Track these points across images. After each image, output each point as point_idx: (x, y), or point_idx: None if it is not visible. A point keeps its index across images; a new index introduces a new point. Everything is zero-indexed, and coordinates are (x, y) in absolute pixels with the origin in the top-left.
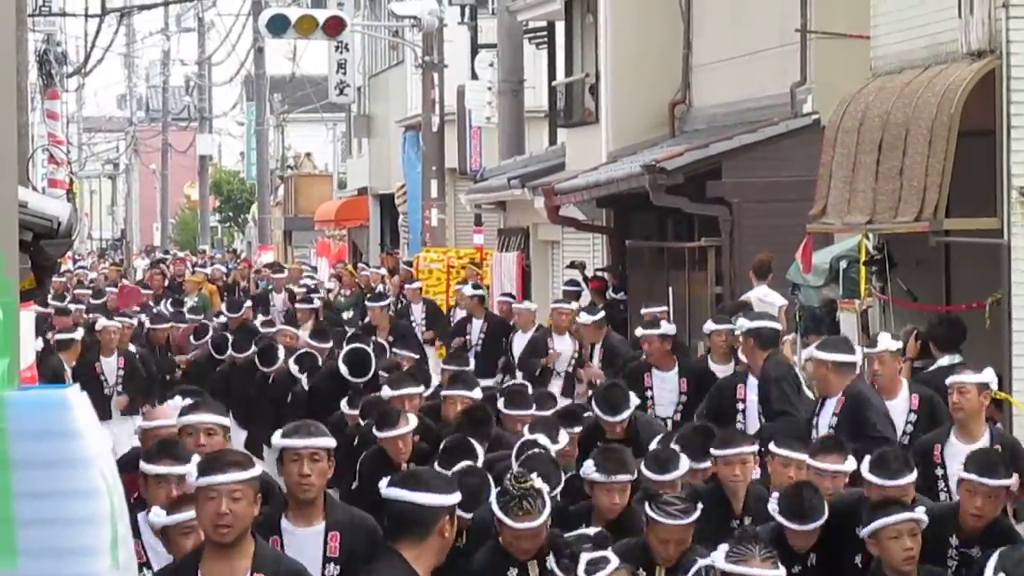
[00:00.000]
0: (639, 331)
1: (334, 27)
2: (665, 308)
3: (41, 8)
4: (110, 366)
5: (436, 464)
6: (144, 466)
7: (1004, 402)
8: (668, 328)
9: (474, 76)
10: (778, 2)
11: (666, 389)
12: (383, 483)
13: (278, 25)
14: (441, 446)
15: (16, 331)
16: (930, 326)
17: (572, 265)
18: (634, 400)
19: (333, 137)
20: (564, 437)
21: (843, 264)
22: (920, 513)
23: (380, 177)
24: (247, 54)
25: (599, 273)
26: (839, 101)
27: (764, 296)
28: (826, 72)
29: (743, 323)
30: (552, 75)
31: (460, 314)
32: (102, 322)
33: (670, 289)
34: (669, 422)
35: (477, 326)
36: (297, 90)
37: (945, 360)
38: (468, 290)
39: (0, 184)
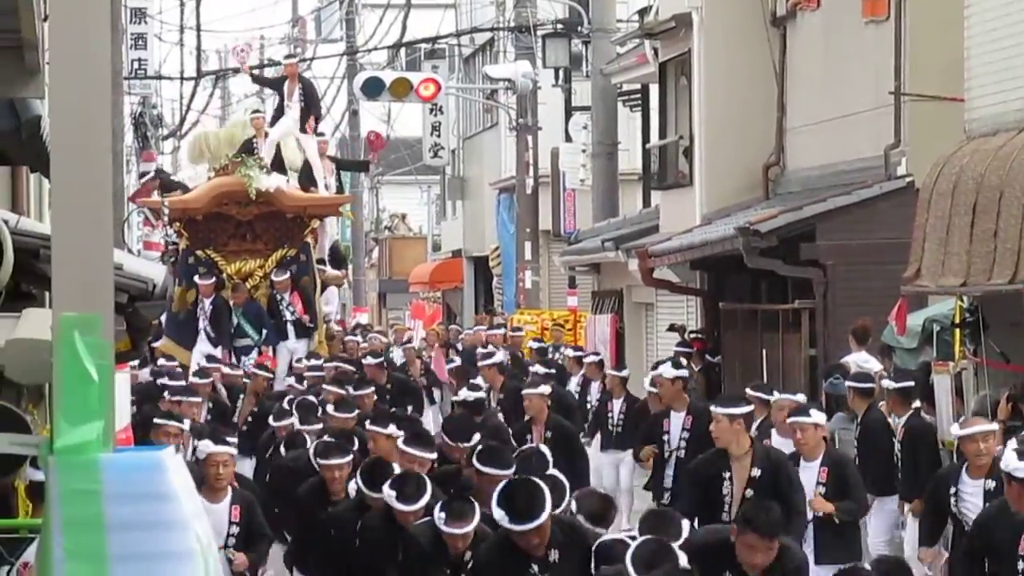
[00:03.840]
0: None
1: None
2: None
3: (137, 71)
4: (218, 516)
5: None
6: None
7: None
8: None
9: (568, 138)
10: (872, 65)
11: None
12: None
13: (373, 88)
14: None
15: (111, 393)
16: (1021, 388)
17: (672, 328)
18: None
19: (427, 199)
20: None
21: (936, 327)
22: None
23: (474, 239)
24: (342, 117)
25: (698, 335)
26: (933, 164)
27: (863, 362)
28: (920, 134)
29: None
30: (646, 138)
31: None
32: (207, 446)
33: (763, 352)
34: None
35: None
36: (391, 152)
37: None
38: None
39: (95, 246)
